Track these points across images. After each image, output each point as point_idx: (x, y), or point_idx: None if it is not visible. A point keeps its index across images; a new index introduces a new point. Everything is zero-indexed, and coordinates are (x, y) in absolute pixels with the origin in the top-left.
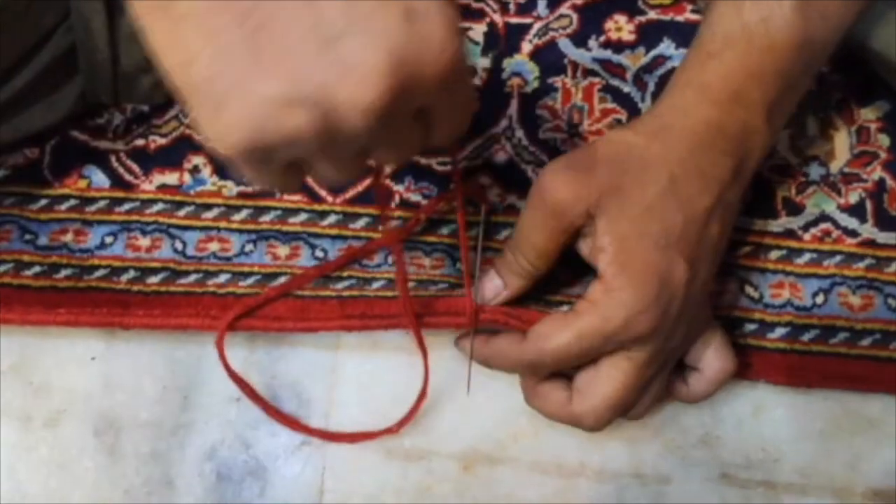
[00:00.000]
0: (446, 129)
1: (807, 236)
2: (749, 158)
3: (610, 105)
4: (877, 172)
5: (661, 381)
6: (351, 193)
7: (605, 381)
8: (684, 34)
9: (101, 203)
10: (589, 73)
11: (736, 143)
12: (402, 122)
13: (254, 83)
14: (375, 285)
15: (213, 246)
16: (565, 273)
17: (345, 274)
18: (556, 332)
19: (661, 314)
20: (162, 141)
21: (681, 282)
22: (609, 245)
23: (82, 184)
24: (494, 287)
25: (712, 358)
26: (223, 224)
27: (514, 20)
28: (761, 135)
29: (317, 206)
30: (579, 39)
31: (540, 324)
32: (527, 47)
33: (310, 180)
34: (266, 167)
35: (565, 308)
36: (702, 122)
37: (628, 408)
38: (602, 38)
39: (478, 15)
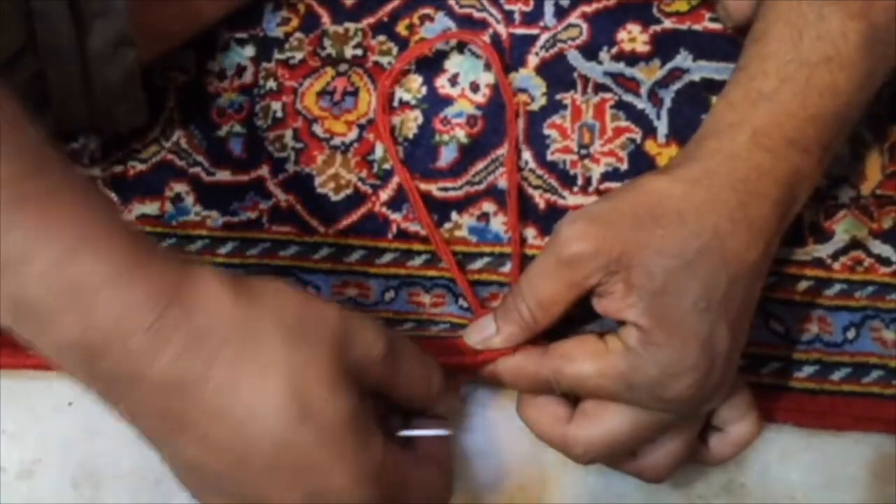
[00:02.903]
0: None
1: (836, 265)
2: (796, 204)
3: (623, 123)
4: None
5: (682, 442)
6: (344, 224)
7: (615, 415)
8: (702, 45)
9: None
10: (600, 87)
11: (786, 190)
12: None
13: None
14: None
15: None
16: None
17: None
18: (581, 359)
19: (697, 384)
20: (141, 167)
21: (723, 351)
22: (639, 300)
23: None
24: (486, 330)
25: (738, 421)
26: (208, 258)
27: (520, 31)
28: (811, 179)
29: (307, 238)
30: (589, 51)
31: (566, 342)
32: (533, 61)
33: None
34: None
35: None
36: (753, 170)
37: (624, 453)
38: (614, 50)
39: (480, 25)
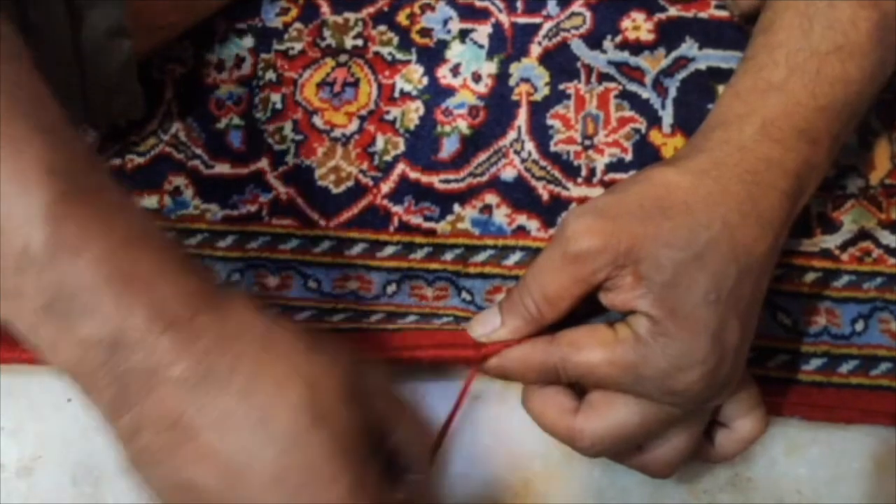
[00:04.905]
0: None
1: (845, 256)
2: (804, 195)
3: (627, 113)
4: None
5: (688, 437)
6: (345, 216)
7: (623, 407)
8: (708, 33)
9: None
10: (604, 77)
11: (795, 181)
12: None
13: None
14: (373, 318)
15: None
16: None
17: (339, 306)
18: (589, 347)
19: (706, 378)
20: (140, 160)
21: (732, 345)
22: (649, 291)
23: None
24: (490, 322)
25: (745, 417)
26: (207, 251)
27: (522, 20)
28: (820, 170)
29: (308, 232)
30: (593, 40)
31: (574, 330)
32: (536, 50)
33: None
34: None
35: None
36: (762, 161)
37: (630, 446)
38: (618, 39)
39: (482, 14)
